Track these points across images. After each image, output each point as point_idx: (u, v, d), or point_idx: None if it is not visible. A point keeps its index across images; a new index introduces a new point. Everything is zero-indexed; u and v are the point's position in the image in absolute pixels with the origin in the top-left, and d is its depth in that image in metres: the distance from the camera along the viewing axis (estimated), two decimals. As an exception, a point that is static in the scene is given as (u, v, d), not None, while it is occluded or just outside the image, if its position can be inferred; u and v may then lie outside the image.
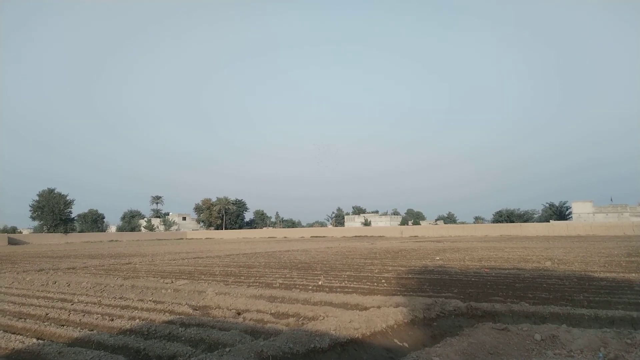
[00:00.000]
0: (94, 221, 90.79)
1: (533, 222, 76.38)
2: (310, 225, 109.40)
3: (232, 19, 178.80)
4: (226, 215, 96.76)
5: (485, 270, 13.50)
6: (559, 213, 78.19)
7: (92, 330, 6.87)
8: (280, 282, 11.68)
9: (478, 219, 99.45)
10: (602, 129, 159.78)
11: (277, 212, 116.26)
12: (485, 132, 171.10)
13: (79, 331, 6.71)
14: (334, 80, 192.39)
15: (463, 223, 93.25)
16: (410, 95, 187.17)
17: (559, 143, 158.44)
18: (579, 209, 68.60)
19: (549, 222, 65.81)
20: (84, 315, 7.95)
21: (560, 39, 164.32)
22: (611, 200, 75.43)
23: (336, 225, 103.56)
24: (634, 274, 11.60)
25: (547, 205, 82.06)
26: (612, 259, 16.59)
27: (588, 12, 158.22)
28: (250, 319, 7.45)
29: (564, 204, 78.77)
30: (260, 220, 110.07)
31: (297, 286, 10.76)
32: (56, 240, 63.62)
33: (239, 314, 7.95)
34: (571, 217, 72.06)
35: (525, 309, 7.27)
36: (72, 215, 79.42)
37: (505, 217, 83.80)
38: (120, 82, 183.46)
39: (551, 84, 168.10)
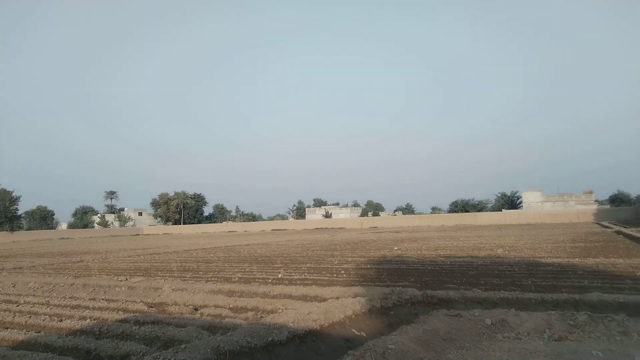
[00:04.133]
0: (43, 218, 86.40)
1: (486, 211, 79.39)
2: (271, 219, 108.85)
3: (216, 14, 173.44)
4: (184, 210, 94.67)
5: (441, 258, 13.90)
6: (511, 202, 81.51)
7: (39, 332, 6.56)
8: (240, 276, 11.56)
9: (435, 210, 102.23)
10: (579, 124, 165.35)
11: (237, 206, 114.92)
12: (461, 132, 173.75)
13: (25, 333, 6.38)
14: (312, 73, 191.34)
15: (421, 214, 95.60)
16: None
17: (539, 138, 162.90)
18: (528, 198, 71.79)
19: (501, 211, 68.59)
20: (30, 317, 7.58)
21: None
22: (557, 189, 79.48)
23: (297, 218, 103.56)
24: (577, 259, 12.28)
25: (500, 195, 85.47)
26: (558, 245, 17.49)
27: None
28: (208, 315, 7.34)
29: (515, 193, 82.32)
30: (220, 215, 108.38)
31: (257, 280, 10.70)
32: (1, 239, 60.04)
33: (196, 309, 7.81)
34: (522, 206, 75.36)
35: (478, 295, 7.54)
36: (19, 213, 75.46)
37: (461, 207, 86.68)
38: (90, 63, 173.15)
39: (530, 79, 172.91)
